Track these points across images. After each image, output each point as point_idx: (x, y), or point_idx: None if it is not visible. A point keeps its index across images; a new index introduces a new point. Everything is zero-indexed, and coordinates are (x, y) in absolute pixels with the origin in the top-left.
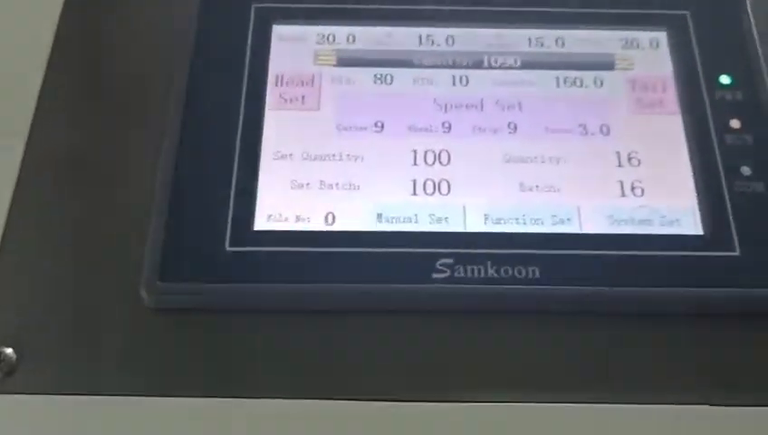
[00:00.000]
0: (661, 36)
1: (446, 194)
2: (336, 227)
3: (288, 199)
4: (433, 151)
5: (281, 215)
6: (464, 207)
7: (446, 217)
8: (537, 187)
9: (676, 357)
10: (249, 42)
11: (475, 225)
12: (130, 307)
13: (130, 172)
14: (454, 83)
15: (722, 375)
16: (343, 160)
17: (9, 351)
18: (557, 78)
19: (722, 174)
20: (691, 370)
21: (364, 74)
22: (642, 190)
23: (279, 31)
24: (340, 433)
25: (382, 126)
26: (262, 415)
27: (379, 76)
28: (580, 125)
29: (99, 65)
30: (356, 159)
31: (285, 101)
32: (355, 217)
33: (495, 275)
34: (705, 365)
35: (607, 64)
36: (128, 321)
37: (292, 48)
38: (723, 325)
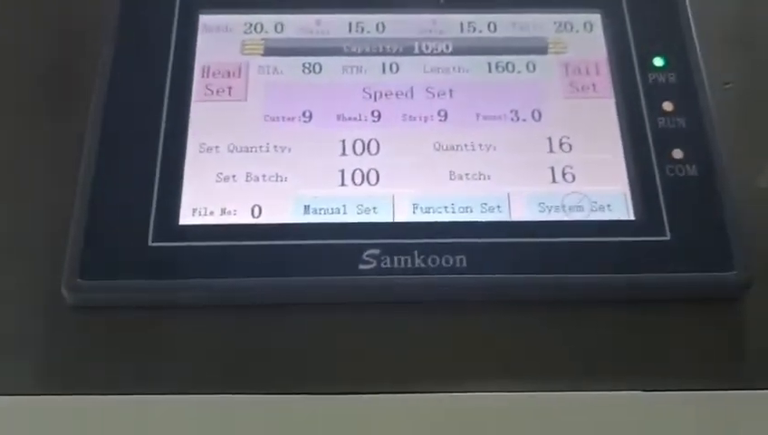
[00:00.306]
0: (595, 19)
1: (375, 184)
2: (262, 220)
3: (214, 193)
4: (362, 141)
5: (206, 209)
6: (392, 197)
7: (375, 208)
8: (467, 175)
9: (608, 343)
10: (174, 32)
11: (404, 215)
12: (53, 306)
13: (51, 166)
14: (384, 71)
15: (654, 360)
16: (270, 152)
17: None
18: (489, 63)
19: (654, 158)
20: (623, 356)
21: (292, 64)
22: (573, 176)
23: (205, 20)
24: (267, 427)
25: (310, 116)
26: (187, 411)
27: (307, 65)
28: (512, 111)
29: (18, 55)
30: (283, 151)
31: (212, 92)
32: (282, 209)
33: (422, 264)
34: (637, 351)
35: (540, 49)
36: (50, 320)
37: (219, 38)
38: (654, 311)
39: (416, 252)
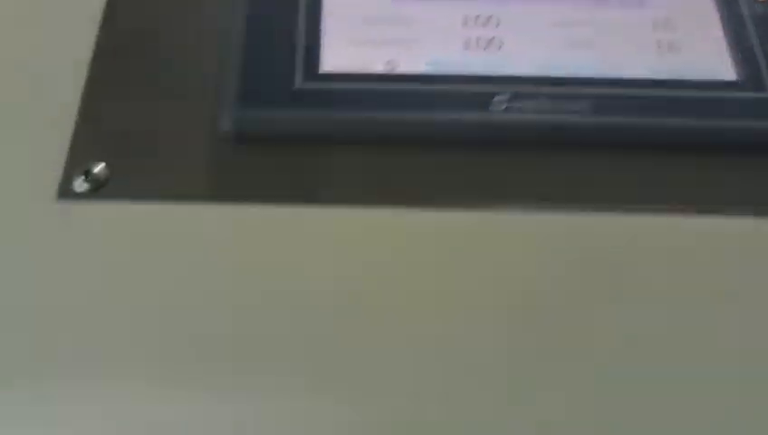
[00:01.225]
0: None
1: (499, 49)
2: (397, 72)
3: (350, 52)
4: (484, 16)
5: (344, 64)
6: (516, 59)
7: (501, 65)
8: (584, 45)
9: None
10: None
11: (529, 71)
12: (209, 132)
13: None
14: None
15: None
16: (399, 25)
17: (101, 166)
18: None
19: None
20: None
21: None
22: (679, 49)
23: None
24: (396, 238)
25: None
26: (332, 221)
27: None
28: None
29: None
30: (411, 24)
31: None
32: (414, 64)
33: (551, 108)
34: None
35: None
36: (208, 145)
37: None
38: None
39: (543, 98)
